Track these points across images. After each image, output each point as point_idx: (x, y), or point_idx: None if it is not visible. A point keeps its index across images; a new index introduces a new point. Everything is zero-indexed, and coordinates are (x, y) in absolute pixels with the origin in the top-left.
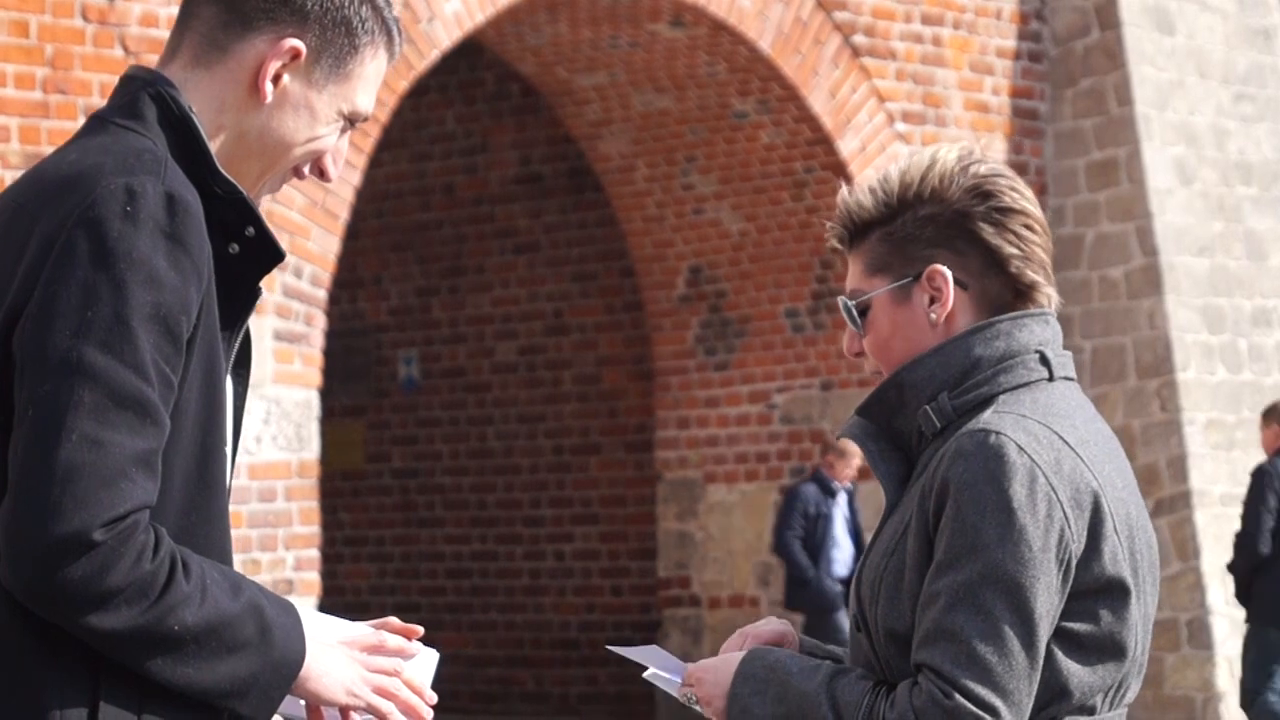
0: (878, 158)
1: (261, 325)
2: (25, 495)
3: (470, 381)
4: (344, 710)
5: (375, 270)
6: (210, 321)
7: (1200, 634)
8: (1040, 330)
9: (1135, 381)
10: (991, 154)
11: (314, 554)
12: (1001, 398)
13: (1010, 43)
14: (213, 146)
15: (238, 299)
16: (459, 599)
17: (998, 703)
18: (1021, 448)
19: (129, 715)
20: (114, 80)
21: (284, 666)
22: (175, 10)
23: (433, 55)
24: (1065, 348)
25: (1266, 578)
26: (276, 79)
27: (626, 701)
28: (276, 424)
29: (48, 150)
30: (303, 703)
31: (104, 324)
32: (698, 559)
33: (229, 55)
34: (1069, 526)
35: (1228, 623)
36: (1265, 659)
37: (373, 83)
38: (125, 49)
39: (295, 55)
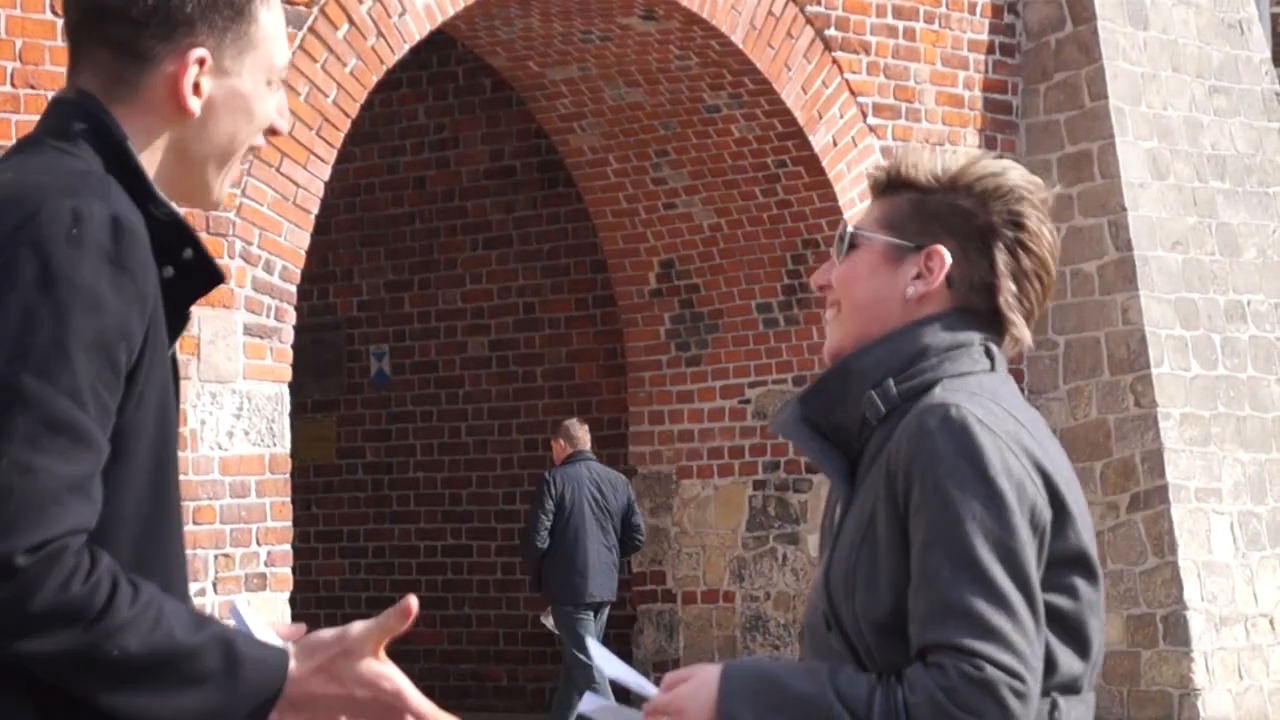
0: (850, 152)
1: (232, 320)
2: None
3: (441, 376)
4: None
5: (346, 264)
6: (159, 345)
7: (1177, 629)
8: (979, 327)
9: (1109, 376)
10: (964, 147)
11: (286, 549)
12: (945, 381)
13: (983, 36)
14: (150, 169)
15: (168, 323)
16: (432, 594)
17: (1022, 669)
18: (981, 420)
19: None
20: None
21: (251, 702)
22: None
23: (403, 49)
24: (1040, 343)
25: (551, 566)
26: (197, 88)
27: None
28: (248, 419)
29: None
30: None
31: (42, 350)
32: (672, 554)
33: (141, 88)
34: (1039, 496)
35: (1204, 618)
36: (570, 628)
37: (279, 34)
38: None
39: (202, 61)
